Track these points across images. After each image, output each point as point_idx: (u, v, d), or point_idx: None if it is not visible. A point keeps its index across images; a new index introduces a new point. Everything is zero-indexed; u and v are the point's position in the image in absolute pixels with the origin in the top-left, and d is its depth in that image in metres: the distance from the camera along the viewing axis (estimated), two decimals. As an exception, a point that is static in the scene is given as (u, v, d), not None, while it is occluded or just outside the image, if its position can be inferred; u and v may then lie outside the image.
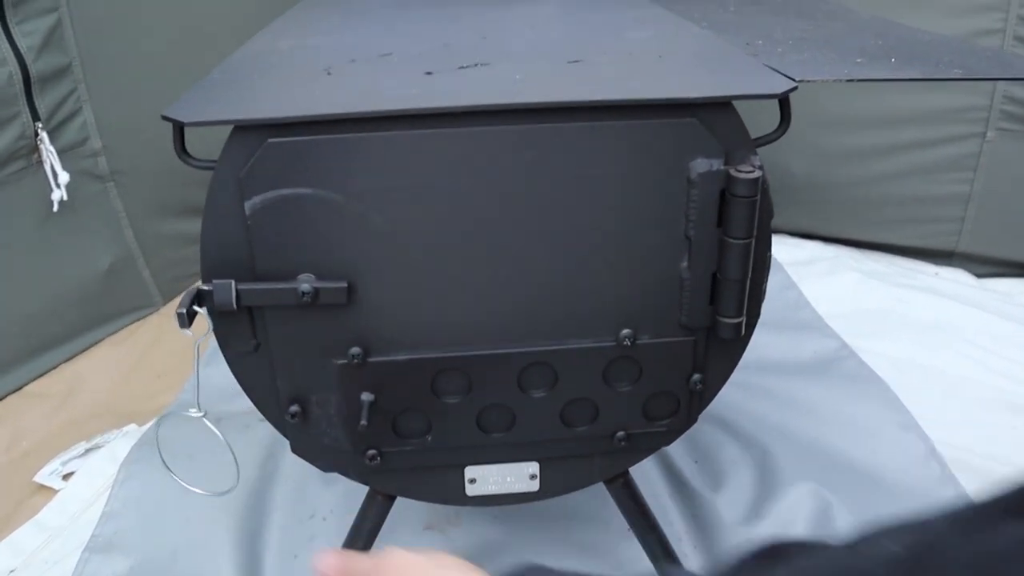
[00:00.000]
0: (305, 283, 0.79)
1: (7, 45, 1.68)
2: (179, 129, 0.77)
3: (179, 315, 0.76)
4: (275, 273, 0.80)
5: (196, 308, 0.80)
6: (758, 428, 1.49)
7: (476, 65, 0.88)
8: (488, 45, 0.98)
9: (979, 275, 2.10)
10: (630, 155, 0.78)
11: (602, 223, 0.80)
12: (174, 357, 1.87)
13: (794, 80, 0.80)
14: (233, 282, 0.79)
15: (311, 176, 0.76)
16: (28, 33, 1.72)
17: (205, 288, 0.79)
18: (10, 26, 1.69)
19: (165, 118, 0.76)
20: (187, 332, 0.78)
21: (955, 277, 2.07)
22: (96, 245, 1.93)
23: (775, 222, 0.84)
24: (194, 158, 0.81)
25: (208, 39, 2.06)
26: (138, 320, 2.01)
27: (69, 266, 1.86)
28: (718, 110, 0.78)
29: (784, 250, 2.09)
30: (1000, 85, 1.95)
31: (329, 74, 0.87)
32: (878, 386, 1.60)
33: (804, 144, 2.05)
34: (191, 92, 0.83)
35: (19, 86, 1.70)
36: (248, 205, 0.77)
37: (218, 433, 0.85)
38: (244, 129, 0.75)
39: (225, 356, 0.85)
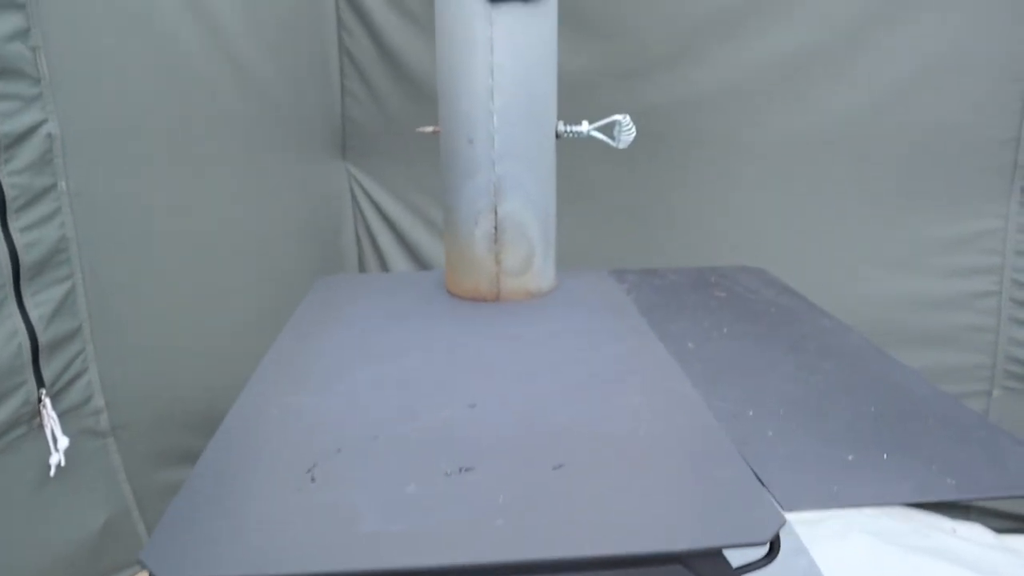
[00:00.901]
0: None
1: (19, 318, 1.71)
2: None
3: None
4: None
5: None
6: None
7: (460, 471, 0.88)
8: (475, 420, 0.98)
9: (998, 530, 2.03)
10: (615, 601, 0.75)
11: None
12: (161, 625, 1.80)
13: (783, 509, 0.79)
14: None
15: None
16: (41, 303, 1.76)
17: None
18: (24, 298, 1.73)
19: (139, 562, 0.75)
20: None
21: (973, 534, 2.00)
22: (92, 505, 1.90)
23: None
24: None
25: (214, 300, 2.12)
26: (128, 577, 1.95)
27: (62, 531, 1.83)
28: (704, 555, 0.76)
29: (793, 504, 2.03)
30: (1002, 344, 1.96)
31: (313, 480, 0.87)
32: None
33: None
34: (172, 510, 0.82)
35: (27, 356, 1.73)
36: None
37: None
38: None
39: None
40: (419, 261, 2.33)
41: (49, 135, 1.76)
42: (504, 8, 1.29)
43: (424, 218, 2.30)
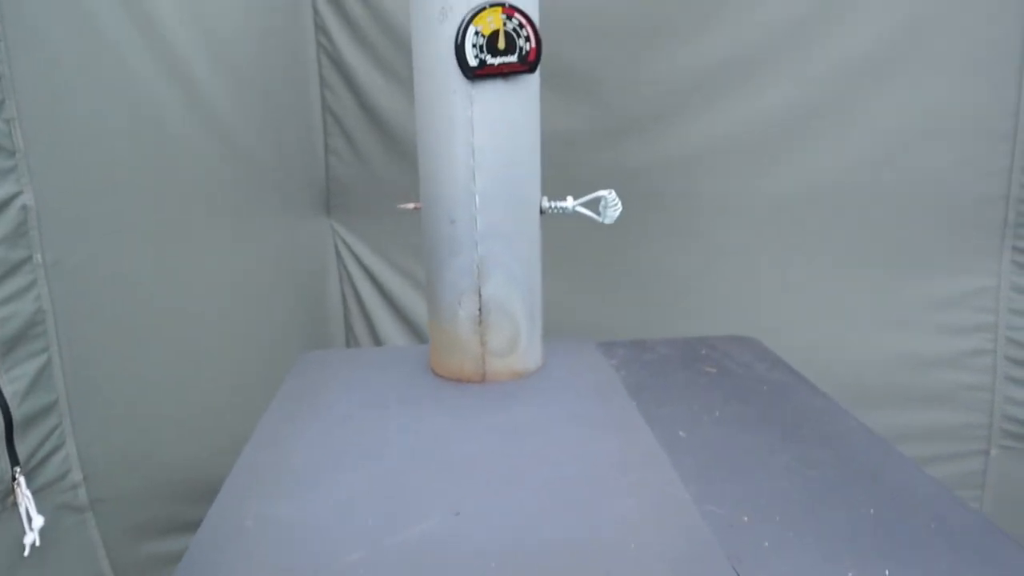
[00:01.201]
0: None
1: (-8, 395, 1.66)
2: None
3: None
4: None
5: None
6: None
7: (443, 596, 0.84)
8: (460, 532, 0.94)
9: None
10: None
11: None
12: None
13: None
14: None
15: None
16: (15, 379, 1.71)
17: None
18: (-3, 374, 1.68)
19: None
20: None
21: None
22: (68, 583, 1.84)
23: None
24: None
25: (197, 365, 2.07)
26: (106, 660, 1.89)
27: (36, 614, 1.76)
28: None
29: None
30: (998, 402, 1.93)
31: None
32: None
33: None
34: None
35: (0, 433, 1.68)
36: None
37: None
38: None
39: None
40: (404, 319, 2.29)
41: (24, 207, 1.72)
42: (484, 86, 1.26)
43: (408, 275, 2.27)
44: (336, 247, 2.33)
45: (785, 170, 1.93)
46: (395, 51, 2.05)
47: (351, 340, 2.39)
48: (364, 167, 2.22)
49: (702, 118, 1.92)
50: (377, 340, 2.33)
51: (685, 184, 1.98)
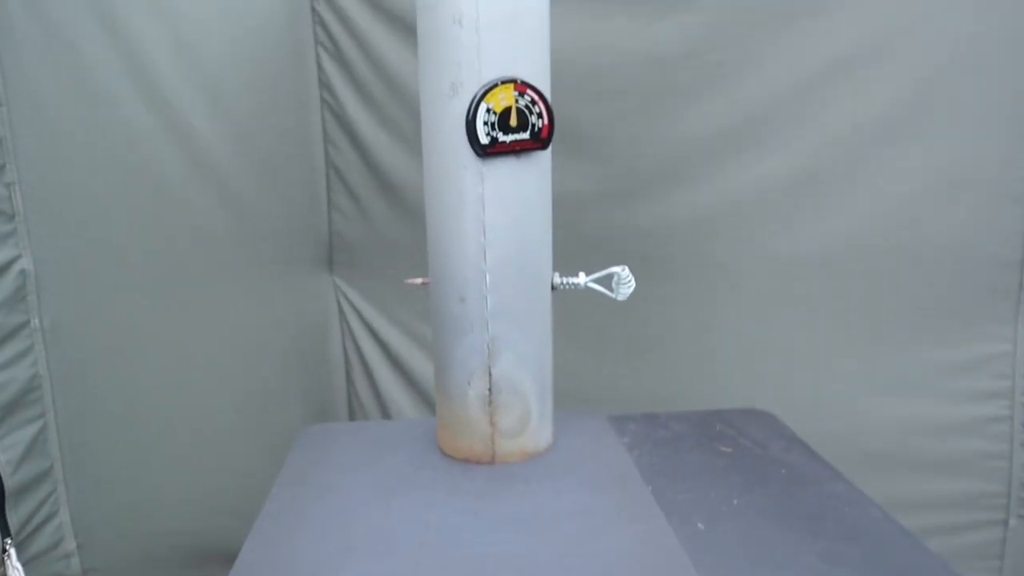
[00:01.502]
0: None
1: (-15, 466, 1.62)
2: None
3: None
4: None
5: None
6: None
7: None
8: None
9: None
10: None
11: None
12: None
13: None
14: None
15: None
16: (10, 447, 1.68)
17: None
18: (-9, 444, 1.64)
19: None
20: None
21: None
22: (58, 658, 1.79)
23: None
24: None
25: (196, 427, 2.03)
26: None
27: None
28: None
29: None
30: (1016, 471, 1.89)
31: None
32: None
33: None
34: None
35: (-7, 504, 1.63)
36: None
37: None
38: None
39: None
40: (408, 379, 2.25)
41: (23, 271, 1.70)
42: (496, 163, 1.24)
43: (411, 333, 2.23)
44: (339, 304, 2.29)
45: (796, 233, 1.90)
46: (399, 108, 2.03)
47: (353, 399, 2.35)
48: (368, 224, 2.19)
49: (711, 180, 1.90)
50: (380, 400, 2.28)
51: (694, 246, 1.95)
